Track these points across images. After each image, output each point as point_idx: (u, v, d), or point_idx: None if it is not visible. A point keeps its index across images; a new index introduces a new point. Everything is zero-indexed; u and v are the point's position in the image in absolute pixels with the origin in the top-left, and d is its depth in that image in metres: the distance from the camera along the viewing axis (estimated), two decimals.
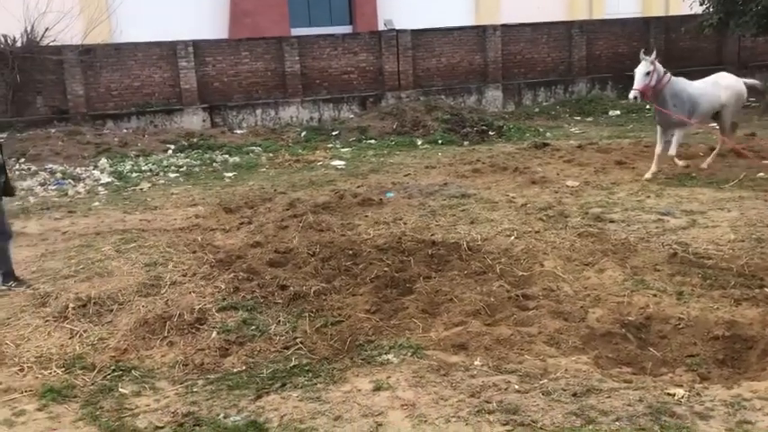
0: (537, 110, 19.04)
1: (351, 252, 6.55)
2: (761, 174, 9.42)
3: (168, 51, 16.17)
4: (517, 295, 5.34)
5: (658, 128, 9.94)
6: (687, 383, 3.78)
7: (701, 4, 17.44)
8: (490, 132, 15.64)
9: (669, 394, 3.56)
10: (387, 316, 5.16)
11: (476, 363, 4.19)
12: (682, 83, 9.72)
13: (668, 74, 9.60)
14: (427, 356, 4.35)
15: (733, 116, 10.11)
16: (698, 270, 5.60)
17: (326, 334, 4.91)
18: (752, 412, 3.32)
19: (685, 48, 19.87)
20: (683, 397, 3.52)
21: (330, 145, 14.84)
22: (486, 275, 5.84)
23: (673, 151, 9.57)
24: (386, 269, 6.02)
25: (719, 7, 16.60)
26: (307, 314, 5.24)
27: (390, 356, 4.38)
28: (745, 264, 5.73)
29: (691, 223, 7.17)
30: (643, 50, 9.81)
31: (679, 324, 4.66)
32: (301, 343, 4.74)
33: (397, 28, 18.37)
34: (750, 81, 10.30)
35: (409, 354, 4.40)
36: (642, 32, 20.54)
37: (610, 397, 3.56)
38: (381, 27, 19.62)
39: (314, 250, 6.62)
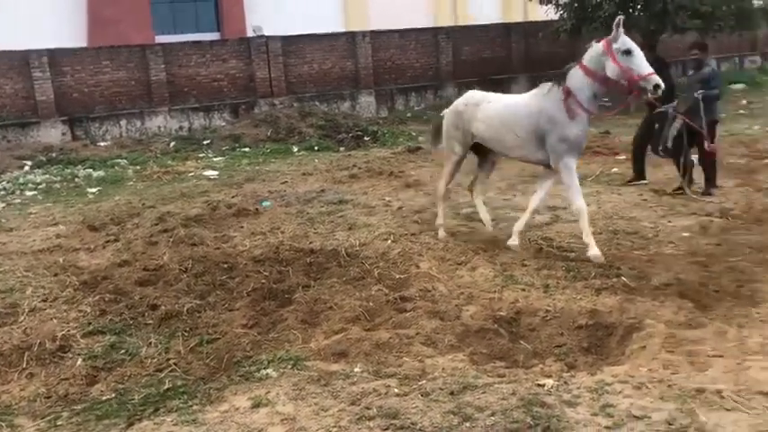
0: (409, 115, 19.44)
1: (226, 265, 6.37)
2: (615, 169, 10.10)
3: (20, 61, 15.10)
4: (395, 298, 5.39)
5: None
6: (556, 373, 3.96)
7: (555, 12, 18.51)
8: (365, 138, 15.80)
9: (539, 385, 3.72)
10: (265, 329, 5.05)
11: (356, 369, 4.18)
12: None
13: None
14: (307, 367, 4.29)
15: None
16: (562, 263, 5.91)
17: (202, 353, 4.74)
18: (613, 396, 3.53)
19: (544, 52, 20.94)
20: (552, 387, 3.68)
21: (202, 155, 14.43)
22: (364, 280, 5.86)
23: None
24: (263, 281, 5.90)
25: (572, 14, 17.70)
26: (180, 333, 5.03)
27: (270, 371, 4.29)
28: (604, 254, 6.10)
29: (554, 219, 7.56)
30: None
31: (546, 316, 4.87)
32: (175, 364, 4.55)
33: (266, 34, 18.16)
34: None
35: (289, 366, 4.32)
36: (504, 38, 21.50)
37: (485, 392, 3.67)
38: (250, 33, 19.32)
39: (186, 266, 6.38)
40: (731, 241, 6.23)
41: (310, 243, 7.01)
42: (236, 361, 4.57)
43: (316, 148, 14.62)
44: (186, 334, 5.06)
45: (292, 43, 18.34)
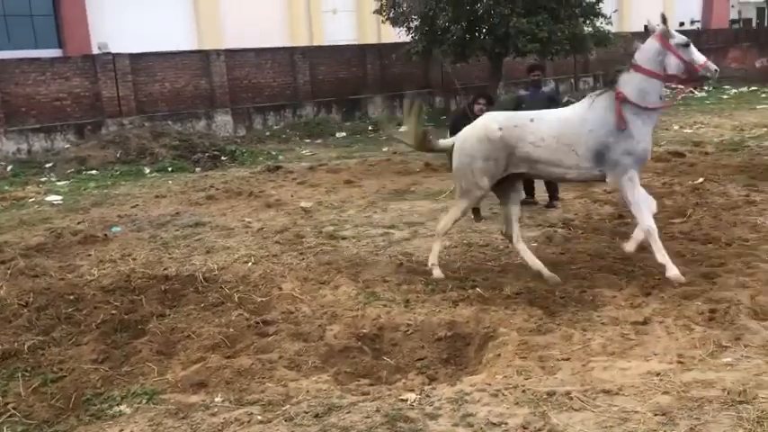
0: (268, 133, 19.25)
1: (72, 297, 5.93)
2: None
3: None
4: (257, 322, 5.27)
5: None
6: (418, 387, 4.03)
7: (407, 34, 19.13)
8: (223, 157, 15.43)
9: (402, 400, 3.77)
10: (117, 363, 4.75)
11: (216, 399, 4.03)
12: None
13: None
14: (164, 401, 4.08)
15: None
16: (421, 277, 6.05)
17: (46, 393, 4.36)
18: (472, 405, 3.65)
19: (398, 73, 21.58)
20: (414, 401, 3.74)
21: (44, 179, 13.45)
22: (224, 306, 5.68)
23: None
24: (114, 312, 5.56)
25: (423, 36, 18.36)
26: (20, 374, 4.61)
27: (123, 407, 4.03)
28: (460, 267, 6.34)
29: (413, 234, 7.75)
30: None
31: (408, 330, 4.97)
32: (14, 408, 4.15)
33: (113, 52, 17.31)
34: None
35: (144, 401, 4.09)
36: (359, 59, 21.90)
37: (350, 412, 3.66)
38: (96, 51, 18.33)
39: (26, 299, 5.88)
40: (573, 250, 6.68)
41: (165, 269, 6.72)
42: (85, 399, 4.26)
43: (170, 169, 14.08)
44: (27, 374, 4.65)
45: (141, 61, 17.61)
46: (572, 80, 26.30)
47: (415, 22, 18.53)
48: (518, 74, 20.38)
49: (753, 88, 24.09)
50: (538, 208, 8.66)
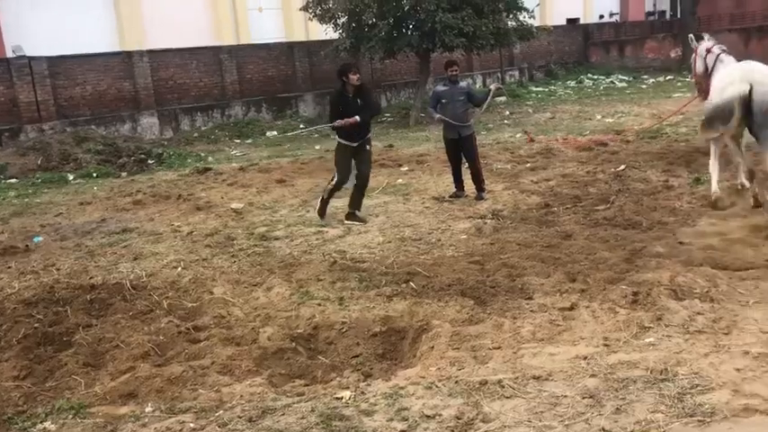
0: (196, 135, 18.87)
1: None
2: (399, 180, 10.60)
3: None
4: (188, 328, 5.16)
5: None
6: (353, 384, 4.03)
7: (334, 31, 19.07)
8: (149, 161, 15.05)
9: (338, 398, 3.76)
10: (41, 379, 4.57)
11: (147, 409, 3.93)
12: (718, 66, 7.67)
13: (714, 51, 7.76)
14: (92, 414, 3.95)
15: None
16: (355, 274, 6.05)
17: None
18: (407, 398, 3.68)
19: (327, 70, 21.40)
20: (349, 398, 3.74)
21: None
22: (153, 313, 5.54)
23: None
24: (36, 325, 5.33)
25: (350, 33, 18.33)
26: None
27: (48, 424, 3.88)
28: (393, 262, 6.37)
29: (346, 231, 7.74)
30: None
31: (343, 328, 4.96)
32: None
33: (28, 55, 16.60)
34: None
35: (70, 416, 3.95)
36: (288, 56, 21.70)
37: (284, 414, 3.63)
38: (10, 54, 17.54)
39: None
40: (502, 240, 6.80)
41: (90, 278, 6.51)
42: (6, 419, 4.07)
43: (94, 174, 13.63)
44: None
45: (60, 64, 16.97)
46: (498, 74, 26.77)
47: (342, 19, 18.48)
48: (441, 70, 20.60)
49: (669, 77, 25.08)
50: (468, 200, 8.78)
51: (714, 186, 7.34)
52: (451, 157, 9.00)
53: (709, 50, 7.79)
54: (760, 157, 6.92)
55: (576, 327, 4.49)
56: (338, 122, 7.84)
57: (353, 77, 7.87)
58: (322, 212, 8.29)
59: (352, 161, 8.15)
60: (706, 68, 7.72)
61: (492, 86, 9.43)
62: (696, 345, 4.02)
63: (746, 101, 6.38)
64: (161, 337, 5.00)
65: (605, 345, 4.15)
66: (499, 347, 4.28)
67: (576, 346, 4.18)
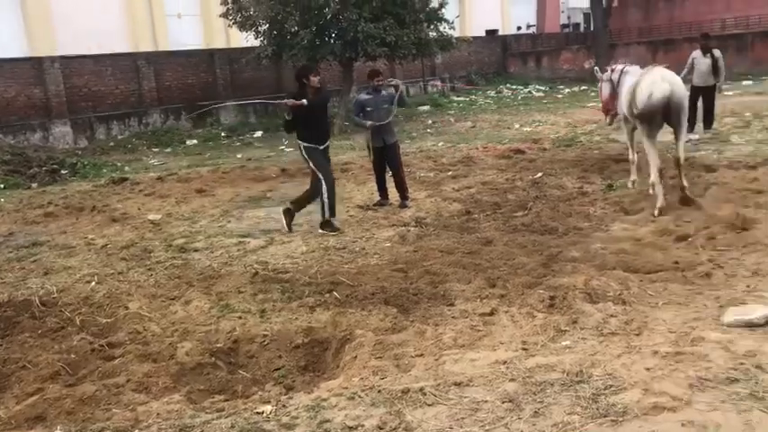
0: (112, 144, 18.29)
1: None
2: None
3: None
4: (101, 345, 4.95)
5: None
6: (275, 398, 3.96)
7: (255, 38, 18.88)
8: (62, 171, 14.48)
9: (258, 413, 3.68)
10: None
11: None
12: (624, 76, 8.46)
13: (617, 68, 8.67)
14: None
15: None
16: (277, 285, 5.97)
17: None
18: (329, 410, 3.63)
19: (249, 78, 21.23)
20: (271, 412, 3.67)
21: None
22: (64, 331, 5.30)
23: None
24: None
25: (272, 41, 18.19)
26: None
27: None
28: (317, 272, 6.31)
29: (269, 242, 7.63)
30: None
31: (264, 341, 4.87)
32: None
33: None
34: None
35: None
36: (208, 64, 21.36)
37: (203, 431, 3.52)
38: None
39: None
40: (425, 247, 6.86)
41: None
42: None
43: (2, 185, 12.98)
44: None
45: None
46: (421, 83, 27.14)
47: (264, 27, 18.33)
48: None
49: (583, 87, 26.05)
50: (392, 208, 8.82)
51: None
52: (376, 166, 9.03)
53: (612, 70, 8.69)
54: (676, 148, 7.68)
55: (495, 332, 4.56)
56: (290, 101, 7.57)
57: (314, 79, 7.78)
58: (290, 222, 8.06)
59: None
60: (613, 88, 8.57)
61: (393, 82, 9.56)
62: (609, 346, 4.14)
63: (668, 100, 7.21)
64: (72, 356, 4.78)
65: (524, 349, 4.23)
66: (421, 355, 4.29)
67: (495, 351, 4.24)
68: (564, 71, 29.57)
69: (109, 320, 5.48)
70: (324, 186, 7.87)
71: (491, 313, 4.86)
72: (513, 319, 4.73)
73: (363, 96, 8.98)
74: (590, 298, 4.96)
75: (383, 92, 8.97)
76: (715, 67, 12.10)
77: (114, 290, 6.19)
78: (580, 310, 4.72)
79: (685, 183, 7.56)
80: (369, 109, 8.74)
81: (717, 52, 12.24)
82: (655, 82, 7.31)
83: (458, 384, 3.80)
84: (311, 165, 7.94)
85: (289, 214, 8.09)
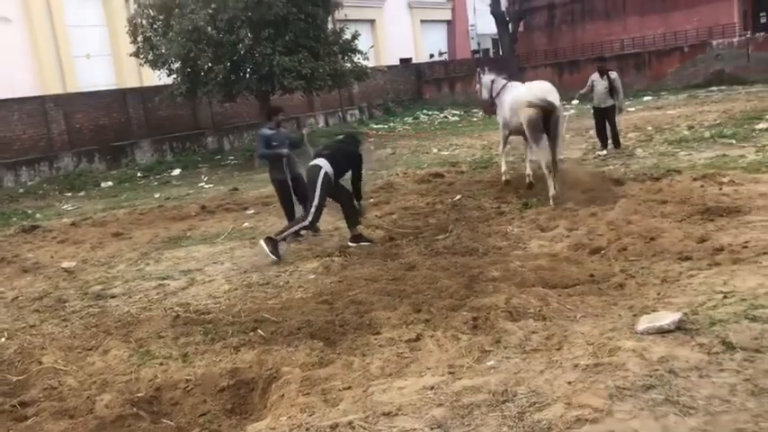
0: (22, 190, 17.54)
1: None
2: (246, 224, 10.42)
3: None
4: (13, 405, 4.68)
5: None
6: None
7: (168, 75, 18.60)
8: None
9: None
10: None
11: None
12: (507, 89, 10.02)
13: (499, 81, 10.17)
14: None
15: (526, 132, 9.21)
16: (200, 327, 5.81)
17: None
18: None
19: (164, 116, 20.87)
20: None
21: None
22: None
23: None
24: None
25: (185, 78, 17.97)
26: None
27: None
28: (240, 310, 6.19)
29: (190, 282, 7.45)
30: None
31: (188, 386, 4.72)
32: None
33: None
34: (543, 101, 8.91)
35: None
36: (121, 103, 20.88)
37: None
38: None
39: None
40: (350, 277, 6.84)
41: None
42: None
43: None
44: None
45: None
46: (339, 113, 27.33)
47: (176, 65, 18.08)
48: (288, 110, 20.73)
49: None
50: (319, 238, 8.78)
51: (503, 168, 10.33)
52: (285, 200, 9.01)
53: (493, 81, 10.22)
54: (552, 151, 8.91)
55: (422, 357, 4.58)
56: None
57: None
58: (277, 250, 7.90)
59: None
60: (491, 94, 10.24)
61: (304, 131, 9.78)
62: (532, 363, 4.23)
63: (548, 105, 8.68)
64: None
65: (450, 372, 4.26)
66: (350, 387, 4.26)
67: (423, 377, 4.26)
68: (477, 95, 30.42)
69: (20, 378, 5.20)
70: (311, 215, 8.02)
71: (417, 339, 4.89)
72: (438, 343, 4.76)
73: (267, 131, 9.05)
74: (511, 316, 5.06)
75: (282, 129, 9.19)
76: (611, 89, 12.74)
77: (26, 344, 5.89)
78: (503, 329, 4.81)
79: (554, 185, 8.77)
80: (275, 144, 8.82)
81: (613, 74, 12.92)
82: (537, 92, 8.84)
83: (387, 414, 3.79)
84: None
85: (359, 239, 8.13)
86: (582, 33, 33.26)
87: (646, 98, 24.25)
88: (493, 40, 40.83)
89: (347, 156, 8.21)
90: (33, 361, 5.49)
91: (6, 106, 18.47)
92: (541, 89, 8.97)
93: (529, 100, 8.78)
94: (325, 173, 7.93)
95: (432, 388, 4.06)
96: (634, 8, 31.83)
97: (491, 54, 41.14)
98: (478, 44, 41.82)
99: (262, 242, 8.00)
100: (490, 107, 10.48)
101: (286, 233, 8.11)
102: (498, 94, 10.07)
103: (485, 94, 10.37)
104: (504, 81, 10.12)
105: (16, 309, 7.17)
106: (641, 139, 14.05)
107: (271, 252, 7.84)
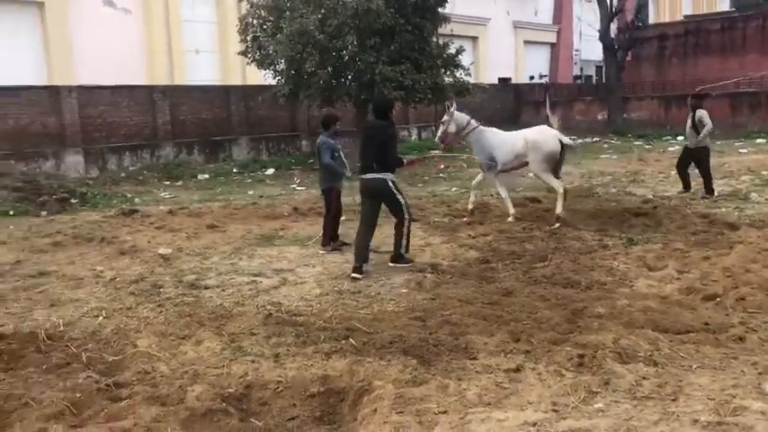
0: (124, 175, 18.26)
1: None
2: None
3: None
4: (108, 385, 4.74)
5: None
6: None
7: (273, 77, 19.00)
8: (72, 200, 14.39)
9: None
10: None
11: None
12: (485, 133, 10.51)
13: (473, 123, 10.45)
14: None
15: (540, 166, 10.27)
16: (291, 329, 5.76)
17: None
18: None
19: (264, 115, 21.33)
20: None
21: None
22: (70, 367, 5.09)
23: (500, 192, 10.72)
24: None
25: (289, 80, 18.29)
26: None
27: None
28: (332, 316, 6.11)
29: (282, 282, 7.44)
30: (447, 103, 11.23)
31: (278, 388, 4.65)
32: None
33: None
34: (566, 139, 10.48)
35: None
36: (223, 99, 21.46)
37: None
38: None
39: None
40: (443, 295, 6.66)
41: (1, 326, 5.97)
42: None
43: (11, 212, 12.87)
44: None
45: None
46: (432, 127, 27.21)
47: (282, 66, 18.45)
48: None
49: (596, 139, 26.06)
50: (411, 254, 8.60)
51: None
52: (337, 208, 9.18)
53: (469, 121, 10.45)
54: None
55: (523, 390, 4.34)
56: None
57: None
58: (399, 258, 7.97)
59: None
60: (459, 131, 10.43)
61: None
62: (645, 411, 3.92)
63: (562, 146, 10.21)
64: (78, 395, 4.55)
65: (554, 410, 4.01)
66: (445, 412, 4.07)
67: (524, 411, 4.02)
68: (576, 122, 29.66)
69: (116, 358, 5.28)
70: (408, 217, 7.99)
71: (517, 369, 4.64)
72: (540, 377, 4.51)
73: (331, 141, 9.05)
74: (620, 358, 4.75)
75: (338, 138, 9.32)
76: (695, 126, 11.94)
77: (122, 326, 6.00)
78: (611, 370, 4.51)
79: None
80: (336, 154, 8.90)
81: (699, 112, 11.95)
82: (555, 135, 10.21)
83: None
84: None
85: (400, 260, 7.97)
86: (693, 67, 31.96)
87: (759, 140, 22.95)
88: (597, 66, 39.87)
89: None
90: (129, 343, 5.58)
91: (118, 92, 19.33)
92: (555, 134, 10.32)
93: (560, 138, 10.15)
94: (392, 181, 7.87)
95: (534, 424, 3.81)
96: (754, 46, 30.32)
97: (593, 81, 40.15)
98: (581, 69, 40.91)
99: (391, 265, 7.93)
100: (450, 141, 10.71)
101: (405, 244, 7.97)
102: (468, 134, 10.39)
103: (452, 128, 10.41)
104: (478, 124, 10.42)
105: (114, 289, 7.35)
106: (756, 182, 13.22)
107: (403, 263, 7.88)
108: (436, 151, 12.01)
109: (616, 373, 4.46)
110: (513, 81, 35.60)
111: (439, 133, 10.70)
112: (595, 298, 6.30)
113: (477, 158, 10.71)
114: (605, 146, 23.55)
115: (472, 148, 10.68)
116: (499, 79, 34.69)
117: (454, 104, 10.80)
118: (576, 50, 40.50)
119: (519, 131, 10.76)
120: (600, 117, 29.94)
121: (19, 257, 9.02)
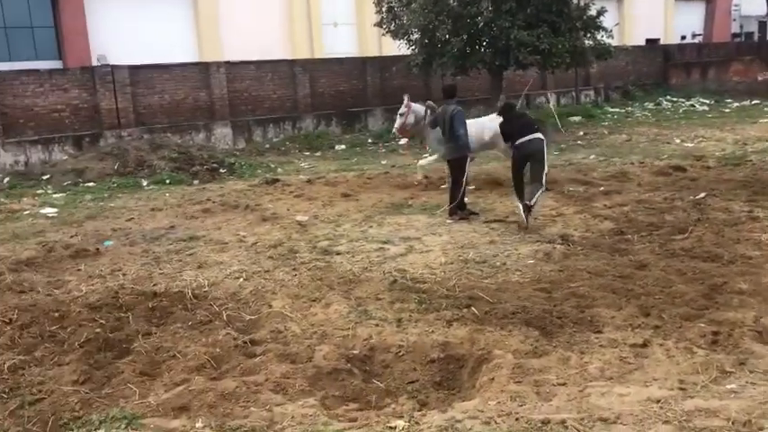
0: (267, 146, 19.16)
1: (57, 314, 5.79)
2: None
3: None
4: (244, 342, 5.12)
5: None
6: (407, 413, 3.87)
7: (408, 47, 19.06)
8: (221, 170, 15.33)
9: (391, 428, 3.60)
10: (98, 385, 4.59)
11: (198, 425, 3.87)
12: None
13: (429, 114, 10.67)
14: (144, 426, 3.92)
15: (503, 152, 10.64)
16: (415, 295, 5.89)
17: (23, 416, 4.21)
18: None
19: (398, 85, 21.45)
20: (403, 429, 3.58)
21: (40, 191, 13.34)
22: (212, 324, 5.54)
23: (421, 162, 11.63)
24: (98, 330, 5.41)
25: (422, 50, 18.27)
26: None
27: None
28: (455, 285, 6.17)
29: (408, 249, 7.59)
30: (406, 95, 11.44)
31: (400, 352, 4.81)
32: None
33: (112, 63, 17.26)
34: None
35: (123, 426, 3.93)
36: (360, 71, 21.83)
37: None
38: (95, 63, 18.30)
39: (11, 316, 5.74)
40: (572, 267, 6.50)
41: (154, 285, 6.58)
42: (62, 423, 4.10)
43: (167, 181, 13.96)
44: (5, 395, 4.50)
45: (140, 73, 17.55)
46: (573, 93, 26.19)
47: (416, 35, 18.46)
48: (519, 86, 20.30)
49: (755, 102, 23.96)
50: (537, 222, 8.47)
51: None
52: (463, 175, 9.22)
53: (431, 110, 10.43)
54: None
55: (648, 366, 4.19)
56: None
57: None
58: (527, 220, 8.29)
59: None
60: (417, 122, 11.00)
61: (428, 103, 10.97)
62: None
63: None
64: (218, 350, 4.96)
65: (681, 388, 3.84)
66: (564, 384, 4.03)
67: (648, 387, 3.89)
68: (733, 84, 27.35)
69: (253, 317, 5.66)
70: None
71: (644, 345, 4.49)
72: (668, 353, 4.33)
73: (462, 111, 9.26)
74: (761, 337, 4.45)
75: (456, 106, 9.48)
76: None
77: (260, 287, 6.40)
78: (749, 350, 4.24)
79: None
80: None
81: None
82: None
83: (604, 420, 3.51)
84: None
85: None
86: None
87: None
88: (759, 22, 36.39)
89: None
90: (265, 304, 5.95)
91: (262, 67, 20.21)
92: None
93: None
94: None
95: (658, 401, 3.68)
96: None
97: (755, 38, 36.72)
98: (741, 26, 37.50)
99: (521, 210, 8.29)
100: (407, 132, 11.41)
101: (536, 198, 8.17)
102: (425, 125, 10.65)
103: (410, 120, 11.00)
104: (434, 116, 10.22)
105: (254, 253, 7.83)
106: None
107: (528, 214, 8.18)
108: None
109: (755, 353, 4.20)
110: (663, 42, 33.31)
111: (396, 125, 11.36)
112: (738, 273, 5.89)
113: (429, 148, 11.30)
114: (765, 109, 21.58)
115: (427, 138, 11.19)
116: (646, 41, 32.61)
117: (407, 96, 11.30)
118: (736, 5, 37.10)
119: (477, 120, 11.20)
120: (761, 78, 27.39)
121: (173, 223, 9.81)
